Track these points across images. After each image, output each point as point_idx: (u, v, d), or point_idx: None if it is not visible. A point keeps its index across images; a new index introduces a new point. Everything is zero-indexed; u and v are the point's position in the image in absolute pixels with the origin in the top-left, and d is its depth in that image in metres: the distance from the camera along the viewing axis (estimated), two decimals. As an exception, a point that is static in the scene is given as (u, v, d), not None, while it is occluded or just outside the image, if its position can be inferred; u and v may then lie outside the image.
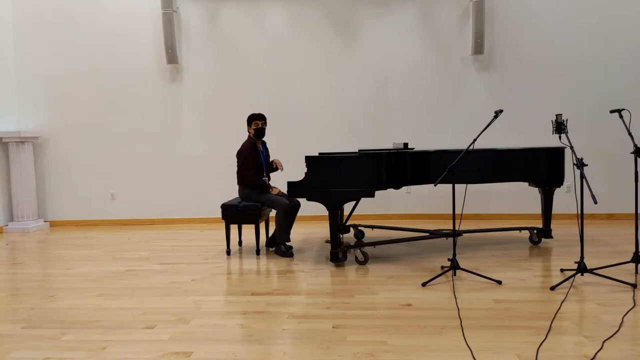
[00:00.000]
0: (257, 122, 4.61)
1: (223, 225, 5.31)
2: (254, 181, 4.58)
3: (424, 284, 3.56)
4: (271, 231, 5.49)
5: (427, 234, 4.77)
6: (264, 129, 4.68)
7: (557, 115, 3.62)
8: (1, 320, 3.07)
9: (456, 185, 3.80)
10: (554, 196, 4.86)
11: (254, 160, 4.61)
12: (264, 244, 5.07)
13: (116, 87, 6.74)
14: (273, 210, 5.31)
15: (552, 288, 3.37)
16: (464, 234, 5.27)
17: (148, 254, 4.87)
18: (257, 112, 4.80)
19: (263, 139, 4.79)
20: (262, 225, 4.90)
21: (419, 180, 4.35)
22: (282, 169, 4.85)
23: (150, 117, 6.74)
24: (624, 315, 2.83)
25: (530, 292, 3.35)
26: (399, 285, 3.57)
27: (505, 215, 6.49)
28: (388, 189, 4.27)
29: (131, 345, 2.61)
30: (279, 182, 5.32)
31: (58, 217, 6.87)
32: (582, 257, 3.48)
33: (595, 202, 3.10)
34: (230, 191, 6.07)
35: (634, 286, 3.35)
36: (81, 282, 3.90)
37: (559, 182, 4.68)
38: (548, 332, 2.63)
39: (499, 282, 3.55)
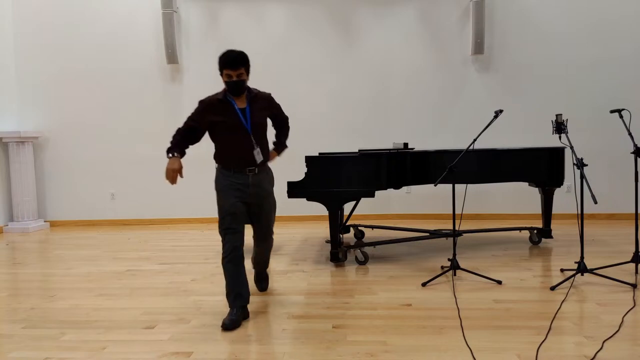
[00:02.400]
0: (228, 71, 2.83)
1: (223, 225, 5.29)
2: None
3: (424, 284, 3.56)
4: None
5: (427, 234, 4.77)
6: (242, 82, 2.87)
7: (557, 115, 3.62)
8: (1, 320, 3.07)
9: (456, 185, 3.80)
10: (554, 196, 4.85)
11: (210, 120, 2.93)
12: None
13: (116, 87, 6.74)
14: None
15: (552, 288, 3.37)
16: (464, 234, 5.27)
17: (148, 254, 4.87)
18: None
19: (273, 98, 3.14)
20: (262, 225, 4.89)
21: (419, 180, 4.35)
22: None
23: (150, 117, 6.74)
24: (624, 315, 2.83)
25: (530, 292, 3.35)
26: (399, 285, 3.57)
27: (505, 215, 6.49)
28: (388, 189, 4.27)
29: (131, 345, 2.61)
30: (278, 182, 5.26)
31: (58, 217, 6.87)
32: (582, 257, 3.48)
33: (595, 202, 3.10)
34: (230, 191, 6.07)
35: (634, 286, 3.35)
36: (81, 282, 3.90)
37: (559, 182, 4.68)
38: (548, 332, 2.63)
39: (499, 282, 3.55)
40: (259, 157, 2.93)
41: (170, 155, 2.91)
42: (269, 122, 3.18)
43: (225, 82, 2.86)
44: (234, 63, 2.80)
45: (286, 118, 3.26)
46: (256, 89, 3.03)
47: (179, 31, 6.63)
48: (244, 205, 2.95)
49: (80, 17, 6.71)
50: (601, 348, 2.41)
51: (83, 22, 6.71)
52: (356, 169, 4.12)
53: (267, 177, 3.08)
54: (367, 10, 6.56)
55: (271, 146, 3.28)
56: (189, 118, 3.00)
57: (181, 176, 2.89)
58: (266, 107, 3.06)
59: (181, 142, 2.98)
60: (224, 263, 2.89)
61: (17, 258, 4.90)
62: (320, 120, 6.62)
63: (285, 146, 3.37)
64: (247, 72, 2.88)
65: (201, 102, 2.95)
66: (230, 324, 2.79)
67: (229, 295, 2.91)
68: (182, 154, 2.98)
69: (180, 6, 6.63)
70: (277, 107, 3.18)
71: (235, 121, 2.90)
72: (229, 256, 2.87)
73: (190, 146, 3.06)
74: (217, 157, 3.01)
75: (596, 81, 6.28)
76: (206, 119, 2.93)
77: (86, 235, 6.11)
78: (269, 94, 3.10)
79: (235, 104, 2.91)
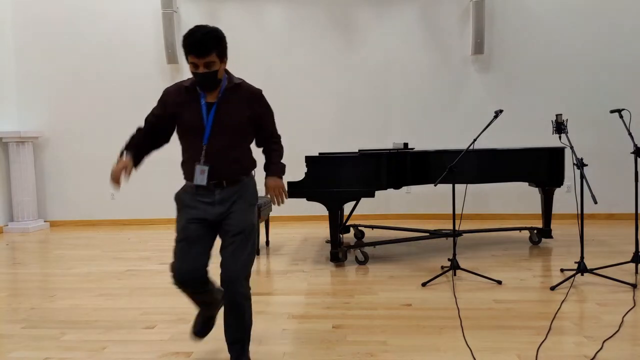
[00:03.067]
0: (193, 59, 2.07)
1: (223, 225, 5.32)
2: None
3: (424, 284, 3.56)
4: (271, 233, 5.49)
5: (427, 234, 4.77)
6: (213, 74, 2.10)
7: (557, 115, 3.62)
8: (1, 320, 3.07)
9: (456, 185, 3.80)
10: (554, 196, 4.85)
11: (168, 114, 2.27)
12: (264, 243, 5.07)
13: (116, 87, 6.74)
14: (273, 210, 5.30)
15: (552, 288, 3.37)
16: (464, 234, 5.27)
17: (148, 254, 4.87)
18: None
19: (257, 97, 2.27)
20: (262, 226, 4.89)
21: (419, 180, 4.35)
22: (278, 203, 2.33)
23: (150, 117, 6.73)
24: (624, 315, 2.83)
25: (530, 292, 3.35)
26: (399, 285, 3.57)
27: (505, 215, 6.49)
28: (388, 189, 4.27)
29: (131, 345, 2.61)
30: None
31: (58, 217, 6.86)
32: (582, 257, 3.48)
33: (595, 202, 3.10)
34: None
35: (634, 286, 3.35)
36: (81, 282, 3.90)
37: (559, 182, 4.68)
38: (548, 332, 2.63)
39: (499, 282, 3.55)
40: (201, 178, 2.14)
41: (120, 156, 2.23)
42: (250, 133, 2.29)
43: (192, 73, 2.12)
44: (199, 48, 2.01)
45: (275, 132, 2.36)
46: (240, 79, 2.24)
47: (179, 31, 6.61)
48: (206, 226, 2.21)
49: (80, 17, 6.71)
50: (601, 348, 2.41)
51: (83, 22, 6.70)
52: (356, 169, 4.12)
53: (244, 194, 2.22)
54: (367, 10, 6.56)
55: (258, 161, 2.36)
56: (150, 112, 2.36)
57: (127, 174, 2.16)
58: (249, 105, 2.20)
59: (140, 143, 2.31)
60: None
61: (17, 258, 4.90)
62: (320, 120, 6.62)
63: (282, 165, 2.36)
64: (221, 57, 2.09)
65: (165, 91, 2.32)
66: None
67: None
68: (137, 157, 2.28)
69: (180, 6, 6.63)
70: (265, 110, 2.28)
71: (196, 119, 2.16)
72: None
73: (155, 151, 2.41)
74: (181, 164, 2.30)
75: (596, 81, 6.28)
76: (168, 111, 2.24)
77: (86, 235, 6.11)
78: (259, 90, 2.26)
79: (203, 96, 2.18)
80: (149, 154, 2.37)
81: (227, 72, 2.19)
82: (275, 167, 2.33)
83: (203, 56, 2.02)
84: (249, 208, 2.23)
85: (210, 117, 2.14)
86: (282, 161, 2.38)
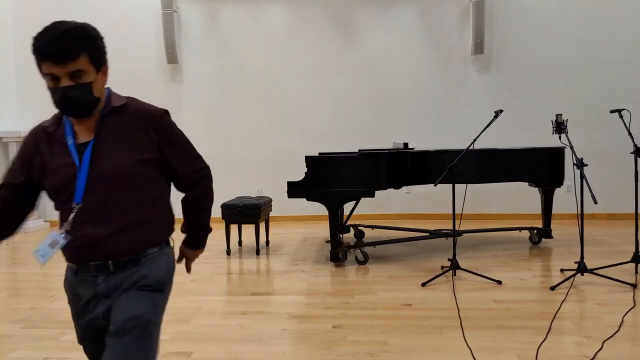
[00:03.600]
0: (50, 67, 1.32)
1: (223, 225, 5.31)
2: None
3: (424, 284, 3.56)
4: (270, 233, 5.49)
5: (427, 234, 4.77)
6: (83, 88, 1.43)
7: (557, 115, 3.62)
8: (1, 320, 3.07)
9: (456, 185, 3.80)
10: (554, 196, 4.85)
11: (24, 170, 1.48)
12: (264, 243, 5.07)
13: (116, 87, 6.62)
14: (273, 210, 5.30)
15: (552, 288, 3.37)
16: (464, 234, 5.27)
17: (148, 254, 4.87)
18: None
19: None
20: (262, 225, 4.90)
21: (419, 180, 4.35)
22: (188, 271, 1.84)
23: (150, 117, 6.73)
24: (624, 315, 2.83)
25: (530, 292, 3.35)
26: (399, 285, 3.57)
27: (505, 215, 6.49)
28: (388, 189, 4.27)
29: (131, 345, 2.61)
30: (279, 182, 5.25)
31: (58, 217, 6.85)
32: (582, 257, 3.49)
33: (595, 202, 3.10)
34: (230, 191, 6.07)
35: (634, 286, 3.35)
36: (81, 282, 3.90)
37: (559, 182, 4.69)
38: (548, 332, 2.63)
39: (499, 282, 3.55)
40: (43, 252, 1.40)
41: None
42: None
43: (50, 91, 1.40)
44: (57, 50, 1.31)
45: (193, 166, 1.62)
46: (127, 98, 1.57)
47: (179, 31, 6.62)
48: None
49: (80, 17, 6.66)
50: (601, 348, 2.41)
51: (83, 21, 6.70)
52: (356, 169, 4.12)
53: (145, 277, 1.51)
54: (367, 10, 6.56)
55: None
56: (6, 171, 1.51)
57: None
58: (145, 133, 1.47)
59: None
60: None
61: (17, 258, 4.90)
62: (320, 120, 6.62)
63: (205, 230, 1.80)
64: (97, 64, 1.48)
65: (24, 139, 1.57)
66: None
67: None
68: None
69: (180, 6, 6.63)
70: (169, 136, 1.53)
71: (63, 171, 1.41)
72: None
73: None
74: None
75: (596, 81, 6.28)
76: (28, 167, 1.47)
77: (86, 235, 6.10)
78: (158, 110, 1.54)
79: (70, 133, 1.47)
80: (15, 230, 1.53)
81: (109, 90, 1.48)
82: (194, 238, 1.74)
83: (65, 62, 1.31)
84: (146, 294, 1.48)
85: (85, 163, 1.37)
86: (209, 214, 1.75)
